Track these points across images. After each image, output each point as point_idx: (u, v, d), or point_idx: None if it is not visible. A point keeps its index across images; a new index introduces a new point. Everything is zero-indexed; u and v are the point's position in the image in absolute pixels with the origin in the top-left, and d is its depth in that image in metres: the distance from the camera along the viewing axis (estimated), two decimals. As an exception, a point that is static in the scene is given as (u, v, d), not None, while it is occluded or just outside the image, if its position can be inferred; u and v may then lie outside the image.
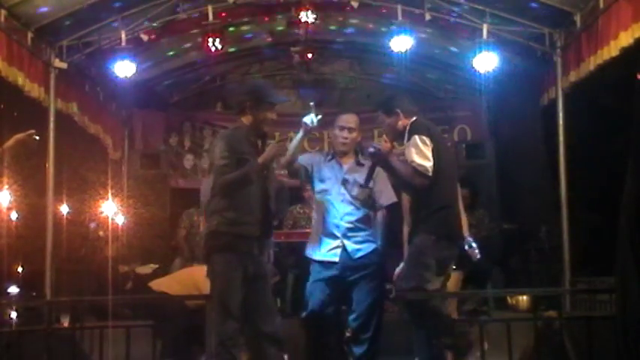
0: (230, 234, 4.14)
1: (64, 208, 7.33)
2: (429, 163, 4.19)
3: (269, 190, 4.31)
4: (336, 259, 4.72)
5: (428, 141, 4.23)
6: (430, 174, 4.19)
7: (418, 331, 4.39)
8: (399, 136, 4.45)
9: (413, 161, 4.19)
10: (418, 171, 4.19)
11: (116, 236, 7.85)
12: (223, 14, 7.20)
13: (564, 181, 6.96)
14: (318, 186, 4.85)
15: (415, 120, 4.42)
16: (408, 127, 4.36)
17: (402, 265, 4.55)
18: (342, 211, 4.77)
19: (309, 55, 8.83)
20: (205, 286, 5.74)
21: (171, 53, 8.45)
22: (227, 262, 4.17)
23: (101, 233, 7.87)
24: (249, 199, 4.17)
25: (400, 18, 6.97)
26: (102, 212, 7.71)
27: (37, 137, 4.19)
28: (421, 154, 4.20)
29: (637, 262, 2.31)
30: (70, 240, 7.45)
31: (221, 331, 4.13)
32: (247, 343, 4.40)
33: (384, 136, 4.55)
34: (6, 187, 5.29)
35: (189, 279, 6.21)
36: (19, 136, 4.14)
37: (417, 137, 4.22)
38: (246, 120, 4.28)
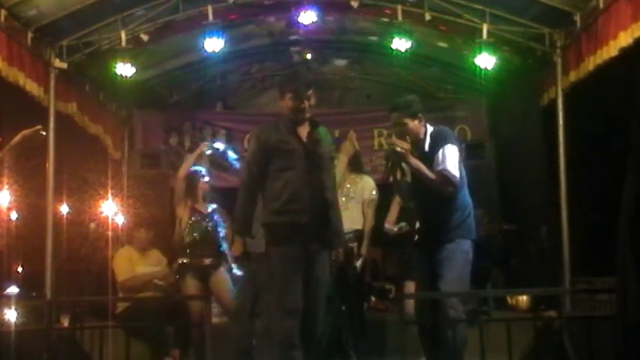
0: (278, 224, 4.08)
1: (64, 208, 7.32)
2: (458, 174, 4.36)
3: (324, 180, 4.18)
4: None
5: (457, 151, 4.41)
6: (457, 184, 4.37)
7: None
8: (416, 140, 4.52)
9: (446, 170, 4.32)
10: (450, 180, 4.33)
11: (116, 236, 7.85)
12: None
13: (564, 181, 6.95)
14: None
15: (442, 128, 4.60)
16: (431, 134, 4.51)
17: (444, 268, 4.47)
18: None
19: (309, 55, 8.83)
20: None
21: (171, 53, 8.45)
22: (279, 254, 4.08)
23: (101, 233, 7.86)
24: (294, 187, 4.08)
25: (400, 18, 6.98)
26: (102, 212, 7.70)
27: (44, 133, 4.24)
28: (452, 164, 4.34)
29: (637, 262, 2.31)
30: (70, 240, 7.44)
31: (278, 329, 4.02)
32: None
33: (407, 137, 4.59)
34: (6, 187, 5.29)
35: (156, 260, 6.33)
36: (26, 132, 4.19)
37: (451, 146, 4.38)
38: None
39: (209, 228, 5.84)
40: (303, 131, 4.21)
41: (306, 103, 4.18)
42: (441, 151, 4.36)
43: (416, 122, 4.50)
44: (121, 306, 6.04)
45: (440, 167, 4.34)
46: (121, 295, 6.28)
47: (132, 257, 6.37)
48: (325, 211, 4.13)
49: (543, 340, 4.65)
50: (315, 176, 4.13)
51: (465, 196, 4.50)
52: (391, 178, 4.53)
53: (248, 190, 4.23)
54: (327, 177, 4.20)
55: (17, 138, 4.18)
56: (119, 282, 6.28)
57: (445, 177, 4.32)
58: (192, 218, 5.89)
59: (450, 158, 4.34)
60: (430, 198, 4.47)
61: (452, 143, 4.40)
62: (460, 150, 4.49)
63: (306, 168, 4.11)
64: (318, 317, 4.17)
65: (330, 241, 4.20)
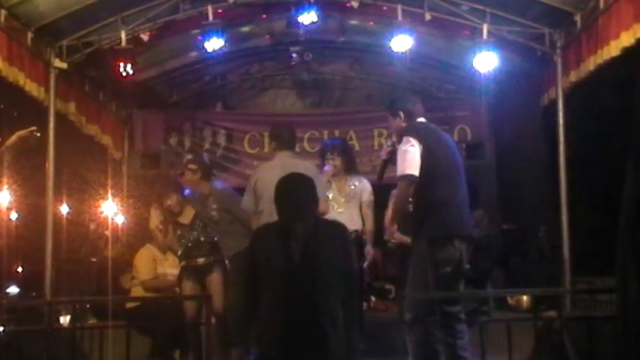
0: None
1: (64, 208, 7.32)
2: (411, 169, 4.24)
3: (313, 306, 3.30)
4: None
5: (416, 142, 4.27)
6: (415, 177, 4.24)
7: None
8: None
9: (399, 177, 4.31)
10: (404, 182, 4.28)
11: (116, 236, 7.85)
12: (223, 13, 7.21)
13: (564, 181, 6.95)
14: None
15: (410, 123, 4.47)
16: None
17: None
18: None
19: (309, 55, 8.83)
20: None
21: (171, 53, 8.45)
22: None
23: (101, 233, 7.87)
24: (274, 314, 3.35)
25: (400, 18, 6.98)
26: (102, 212, 7.70)
27: (39, 134, 4.26)
28: (404, 164, 4.26)
29: (637, 262, 2.31)
30: (70, 240, 7.45)
31: None
32: None
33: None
34: (6, 187, 5.29)
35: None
36: (21, 132, 4.21)
37: (405, 141, 4.31)
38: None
39: (196, 233, 5.81)
40: (298, 240, 3.35)
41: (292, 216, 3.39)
42: (397, 153, 4.38)
43: (397, 120, 4.52)
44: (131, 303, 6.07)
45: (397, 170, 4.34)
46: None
47: (155, 257, 6.38)
48: (306, 343, 3.27)
49: (543, 340, 4.64)
50: (303, 300, 3.29)
51: (434, 191, 4.28)
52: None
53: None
54: (318, 299, 3.29)
55: (12, 139, 4.20)
56: (141, 281, 6.31)
57: (402, 187, 4.30)
58: (178, 232, 5.89)
59: (402, 159, 4.28)
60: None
61: (405, 135, 4.32)
62: (423, 139, 4.28)
63: (291, 291, 3.29)
64: None
65: None
